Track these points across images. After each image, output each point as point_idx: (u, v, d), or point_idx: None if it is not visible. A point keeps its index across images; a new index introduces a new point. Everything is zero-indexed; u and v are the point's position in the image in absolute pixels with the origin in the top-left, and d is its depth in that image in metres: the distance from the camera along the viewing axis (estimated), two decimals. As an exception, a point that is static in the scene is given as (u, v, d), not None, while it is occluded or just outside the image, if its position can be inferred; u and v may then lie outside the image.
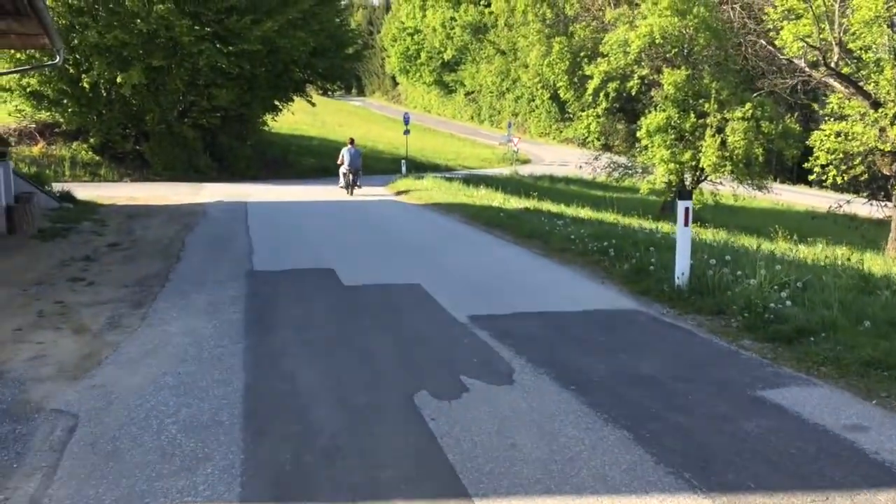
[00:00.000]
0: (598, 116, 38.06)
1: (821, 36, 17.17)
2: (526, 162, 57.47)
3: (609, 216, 19.72)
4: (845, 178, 19.36)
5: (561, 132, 76.49)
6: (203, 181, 28.83)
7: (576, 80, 38.86)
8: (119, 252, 11.38)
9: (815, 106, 22.05)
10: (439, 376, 5.69)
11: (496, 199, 19.53)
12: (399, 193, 23.77)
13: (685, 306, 7.83)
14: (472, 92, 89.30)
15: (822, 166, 19.42)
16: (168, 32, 28.41)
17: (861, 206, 27.11)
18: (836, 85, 18.97)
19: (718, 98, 28.07)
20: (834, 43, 17.22)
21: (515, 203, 18.75)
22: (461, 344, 6.57)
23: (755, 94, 30.00)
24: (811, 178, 20.91)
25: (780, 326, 6.71)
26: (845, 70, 18.33)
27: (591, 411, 5.00)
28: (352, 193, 23.05)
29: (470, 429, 4.68)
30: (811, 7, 17.16)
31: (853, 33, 17.82)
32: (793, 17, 19.08)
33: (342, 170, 23.79)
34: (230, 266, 10.16)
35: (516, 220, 14.73)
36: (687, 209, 8.15)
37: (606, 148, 54.92)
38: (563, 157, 63.91)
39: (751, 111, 27.22)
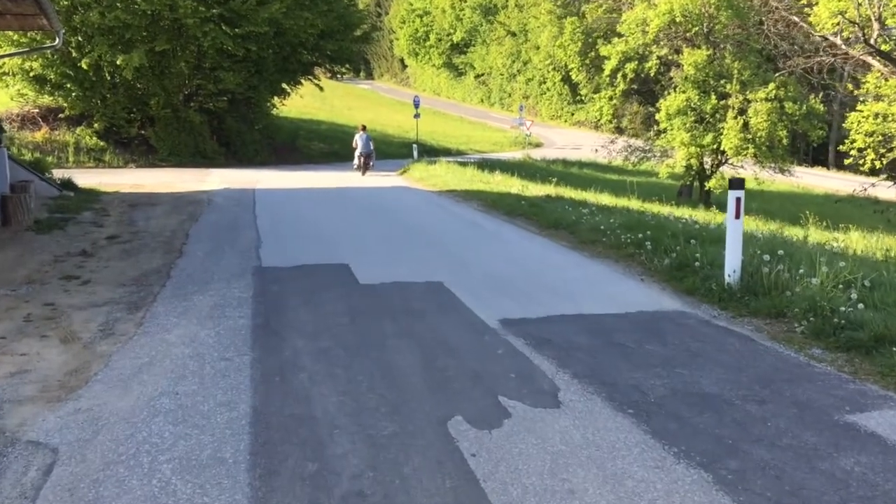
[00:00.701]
0: (611, 98, 37.30)
1: (859, 11, 16.27)
2: (538, 145, 56.64)
3: (632, 202, 18.98)
4: (883, 163, 18.45)
5: (573, 115, 75.60)
6: (210, 167, 28.18)
7: (588, 61, 37.97)
8: (119, 245, 10.67)
9: (850, 86, 21.10)
10: (475, 397, 4.95)
11: (514, 185, 18.74)
12: (412, 179, 23.01)
13: (738, 308, 7.07)
14: (482, 74, 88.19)
15: (860, 150, 18.52)
16: (172, 14, 27.69)
17: (883, 190, 26.28)
18: (875, 63, 18.06)
19: (740, 79, 27.19)
20: (873, 18, 16.32)
21: (535, 189, 17.96)
22: (495, 355, 5.83)
23: (777, 74, 29.12)
24: (847, 161, 19.95)
25: (853, 333, 5.94)
26: (884, 47, 17.43)
27: (658, 443, 4.26)
28: (364, 174, 25.59)
29: (518, 468, 3.95)
30: (851, -20, 16.28)
31: (893, 7, 16.93)
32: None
33: (356, 153, 27.00)
34: (236, 261, 9.42)
35: (538, 208, 13.93)
36: (738, 199, 7.36)
37: (619, 131, 54.24)
38: (575, 140, 63.01)
39: (774, 91, 26.36)
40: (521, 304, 7.33)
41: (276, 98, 36.15)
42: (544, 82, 77.28)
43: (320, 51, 34.35)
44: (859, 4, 16.39)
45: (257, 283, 8.16)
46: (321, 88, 37.98)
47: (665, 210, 17.53)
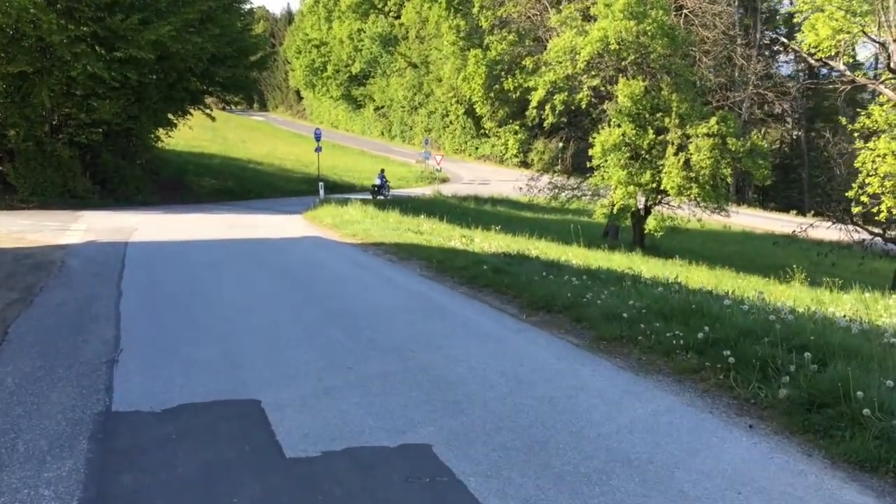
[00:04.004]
0: (516, 133, 35.10)
1: (879, 32, 13.80)
2: (444, 180, 54.10)
3: (577, 251, 16.12)
4: None
5: (477, 149, 73.57)
6: (81, 208, 23.87)
7: (493, 94, 35.71)
8: None
9: (843, 120, 18.87)
10: None
11: (453, 236, 15.42)
12: (324, 226, 19.30)
13: None
14: (383, 107, 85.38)
15: (873, 195, 15.92)
16: (35, 31, 23.44)
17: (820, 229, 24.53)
18: (888, 92, 15.63)
19: (679, 112, 24.97)
20: (891, 39, 13.89)
21: (481, 241, 14.65)
22: None
23: (713, 105, 27.31)
24: (856, 209, 17.31)
25: None
26: (885, 76, 15.05)
27: None
28: (374, 199, 31.29)
29: None
30: (873, -6, 13.70)
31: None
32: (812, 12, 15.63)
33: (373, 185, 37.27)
34: (69, 400, 5.55)
35: (506, 275, 10.52)
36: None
37: (525, 165, 52.32)
38: (481, 174, 60.75)
39: (716, 126, 24.23)
40: (593, 509, 3.93)
41: (160, 130, 31.90)
42: (447, 115, 74.98)
43: (211, 78, 30.43)
44: (867, 24, 13.94)
45: (96, 466, 4.44)
46: (213, 118, 33.99)
47: (626, 262, 14.59)
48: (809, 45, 16.38)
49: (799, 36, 17.29)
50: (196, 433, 4.99)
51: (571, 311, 8.36)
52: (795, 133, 64.49)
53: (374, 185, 37.86)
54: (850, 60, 15.18)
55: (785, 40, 21.84)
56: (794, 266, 20.02)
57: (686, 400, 5.75)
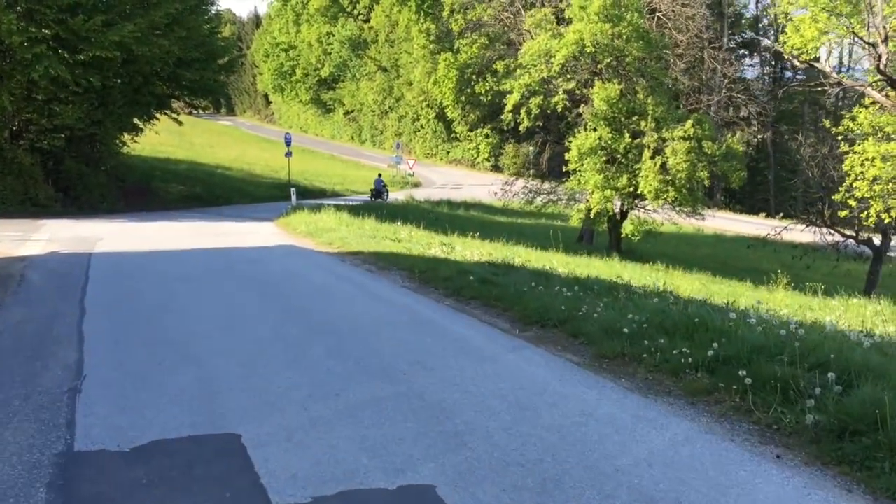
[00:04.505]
0: (488, 136, 34.89)
1: (869, 33, 13.52)
2: (416, 185, 53.67)
3: (558, 257, 15.73)
4: (893, 216, 15.55)
5: (448, 153, 73.24)
6: (43, 216, 23.08)
7: (463, 98, 35.43)
8: None
9: (827, 123, 18.72)
10: None
11: (433, 243, 14.93)
12: (298, 233, 18.73)
13: None
14: (352, 111, 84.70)
15: (860, 199, 15.63)
16: (-8, 34, 22.64)
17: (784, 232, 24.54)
18: (875, 95, 15.39)
19: (654, 115, 24.77)
20: (880, 40, 13.63)
21: (464, 250, 14.15)
22: None
23: (689, 109, 27.29)
24: (842, 213, 17.01)
25: None
26: (871, 78, 14.79)
27: None
28: (373, 201, 34.74)
29: None
30: (862, -6, 13.40)
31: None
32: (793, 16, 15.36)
33: (372, 189, 39.08)
34: (25, 438, 4.95)
35: (494, 286, 10.05)
36: None
37: (497, 169, 52.22)
38: (453, 178, 60.42)
39: (692, 130, 24.06)
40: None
41: (126, 135, 31.10)
42: (418, 119, 74.62)
43: (177, 81, 29.68)
44: (854, 25, 13.68)
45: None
46: (180, 123, 33.21)
47: (630, 274, 14.23)
48: (792, 47, 16.13)
49: (781, 38, 17.05)
50: (170, 477, 4.45)
51: (567, 325, 7.91)
52: (761, 136, 65.02)
53: (372, 190, 39.23)
54: (821, 64, 14.95)
55: (768, 42, 21.61)
56: (770, 269, 19.84)
57: (703, 426, 5.31)
